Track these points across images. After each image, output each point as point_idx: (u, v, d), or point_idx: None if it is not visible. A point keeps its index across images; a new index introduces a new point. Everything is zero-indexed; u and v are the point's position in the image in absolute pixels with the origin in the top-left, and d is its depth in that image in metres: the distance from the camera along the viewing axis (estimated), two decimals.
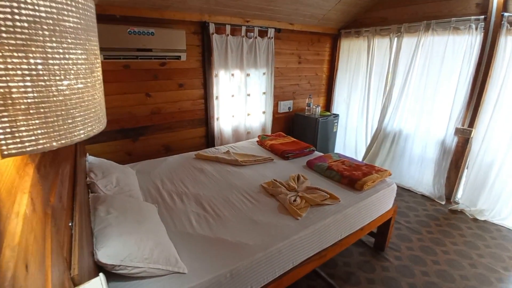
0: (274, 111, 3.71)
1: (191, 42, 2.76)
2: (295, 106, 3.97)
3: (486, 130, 2.79)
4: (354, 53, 3.87)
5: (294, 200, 1.78)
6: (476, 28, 2.73)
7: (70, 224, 0.82)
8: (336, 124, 3.93)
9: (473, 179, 2.93)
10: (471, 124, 2.93)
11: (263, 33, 3.24)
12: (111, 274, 1.09)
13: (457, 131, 3.02)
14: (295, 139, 2.96)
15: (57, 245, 0.60)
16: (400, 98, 3.39)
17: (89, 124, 0.43)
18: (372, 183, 2.04)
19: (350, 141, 4.10)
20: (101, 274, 0.72)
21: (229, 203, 1.77)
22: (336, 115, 3.94)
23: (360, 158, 3.93)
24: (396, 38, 3.38)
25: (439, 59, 3.02)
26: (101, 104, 0.47)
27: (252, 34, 3.15)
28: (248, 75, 3.25)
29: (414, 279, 2.05)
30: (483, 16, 2.68)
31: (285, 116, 3.92)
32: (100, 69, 0.47)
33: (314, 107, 3.76)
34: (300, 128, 3.84)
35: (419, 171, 3.36)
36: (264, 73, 3.39)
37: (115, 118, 2.51)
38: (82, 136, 0.42)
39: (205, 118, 3.09)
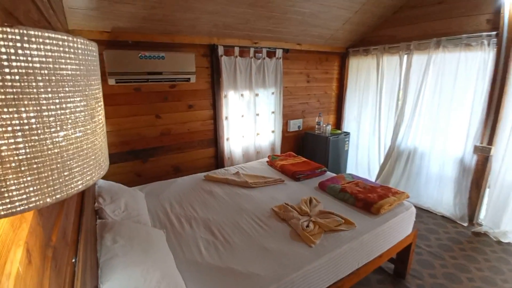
0: (284, 130, 3.68)
1: (200, 64, 2.80)
2: (305, 125, 3.94)
3: (506, 148, 2.66)
4: (363, 71, 3.85)
5: (307, 226, 1.70)
6: (489, 44, 2.67)
7: (73, 260, 0.79)
8: (347, 142, 3.86)
9: (495, 199, 2.76)
10: (490, 141, 2.80)
11: (271, 54, 3.27)
12: None
13: (476, 149, 2.89)
14: (306, 159, 2.90)
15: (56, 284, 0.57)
16: (413, 116, 3.30)
17: (88, 173, 0.40)
18: (389, 206, 1.94)
19: (363, 159, 4.00)
20: None
21: (239, 229, 1.70)
22: (347, 133, 3.87)
23: (373, 177, 3.80)
24: (406, 56, 3.35)
25: (452, 76, 2.95)
26: (102, 149, 0.44)
27: (260, 55, 3.19)
28: (257, 95, 3.26)
29: None
30: (495, 32, 2.62)
31: (295, 135, 3.87)
32: (102, 112, 0.44)
33: (324, 125, 3.71)
34: (311, 147, 3.78)
35: (438, 191, 3.21)
36: (272, 93, 3.40)
37: (126, 140, 2.53)
38: (80, 187, 0.39)
39: (215, 138, 3.08)
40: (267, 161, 2.97)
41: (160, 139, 2.72)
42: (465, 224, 2.95)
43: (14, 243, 0.39)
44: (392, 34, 3.49)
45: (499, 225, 2.73)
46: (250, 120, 3.26)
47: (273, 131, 3.51)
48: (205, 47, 2.81)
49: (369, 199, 1.98)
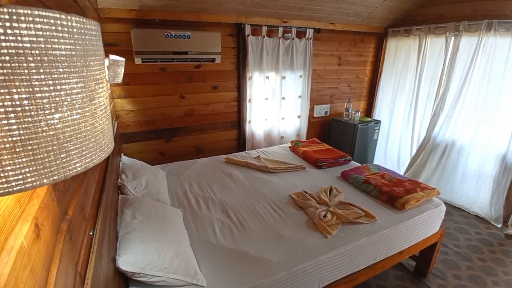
0: (310, 115, 3.57)
1: (226, 44, 2.75)
2: (332, 111, 3.78)
3: None
4: (402, 54, 3.55)
5: (325, 216, 1.66)
6: None
7: (91, 233, 0.83)
8: (377, 131, 3.66)
9: None
10: None
11: (301, 34, 3.12)
12: (131, 280, 1.10)
13: None
14: (330, 147, 2.81)
15: (68, 261, 0.60)
16: (455, 106, 3.02)
17: (87, 155, 0.40)
18: (416, 202, 1.84)
19: (393, 150, 3.79)
20: None
21: (255, 213, 1.71)
22: (378, 122, 3.66)
23: (403, 170, 3.61)
24: (453, 38, 3.02)
25: (502, 63, 2.63)
26: (104, 131, 0.44)
27: (289, 35, 3.05)
28: (283, 77, 3.17)
29: None
30: None
31: (321, 121, 3.75)
32: (104, 94, 0.43)
33: (353, 112, 3.54)
34: (337, 134, 3.65)
35: (474, 189, 2.97)
36: (300, 76, 3.27)
37: (151, 119, 2.60)
38: (79, 169, 0.39)
39: (238, 121, 3.07)
40: (289, 147, 2.93)
41: (183, 120, 2.77)
42: (499, 226, 2.73)
43: (21, 218, 0.41)
44: (440, 13, 3.14)
45: None
46: (275, 103, 3.19)
47: (299, 116, 3.42)
48: (231, 26, 2.74)
49: (394, 193, 1.88)
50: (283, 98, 3.23)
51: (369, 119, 3.64)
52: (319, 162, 2.45)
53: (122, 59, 2.04)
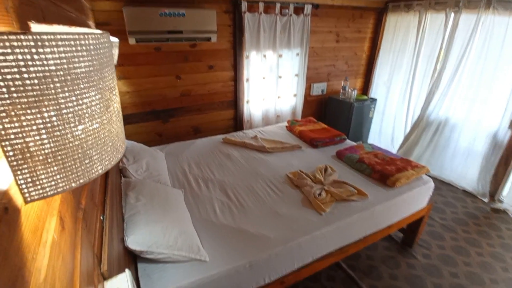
0: (306, 93, 3.57)
1: (222, 22, 2.68)
2: (329, 89, 3.78)
3: None
4: (401, 31, 3.50)
5: (319, 194, 1.75)
6: None
7: (101, 217, 0.89)
8: (373, 109, 3.70)
9: None
10: None
11: (298, 10, 3.03)
12: (140, 257, 1.19)
13: None
14: (326, 126, 2.86)
15: (87, 246, 0.66)
16: (450, 84, 3.05)
17: (107, 158, 0.44)
18: (407, 180, 1.93)
19: (387, 128, 3.85)
20: (127, 271, 0.78)
21: (253, 193, 1.79)
22: (374, 100, 3.69)
23: (396, 147, 3.70)
24: (452, 14, 2.97)
25: (499, 41, 2.64)
26: (118, 134, 0.48)
27: (286, 11, 2.96)
28: (280, 56, 3.12)
29: (441, 279, 1.97)
30: None
31: (318, 99, 3.76)
32: (117, 99, 0.47)
33: (349, 90, 3.54)
34: (333, 113, 3.68)
35: (464, 165, 3.09)
36: (297, 54, 3.23)
37: (147, 100, 2.60)
38: (100, 171, 0.43)
39: (235, 100, 3.07)
40: (286, 126, 2.97)
41: (180, 100, 2.77)
42: (486, 200, 2.89)
43: (49, 214, 0.46)
44: None
45: None
46: (272, 82, 3.18)
47: (295, 95, 3.42)
48: (227, 2, 2.65)
49: (386, 171, 1.97)
50: (280, 77, 3.21)
51: (366, 97, 3.66)
52: (315, 141, 2.51)
53: (116, 40, 2.00)
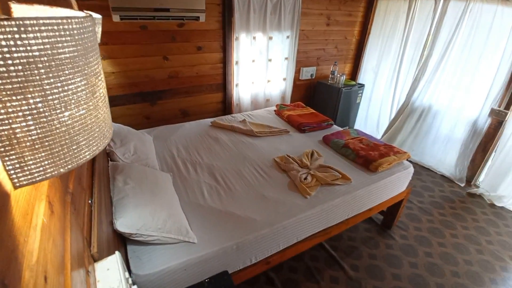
0: (296, 77, 3.56)
1: (211, 1, 2.59)
2: (318, 73, 3.78)
3: None
4: (391, 16, 3.49)
5: (305, 178, 1.80)
6: None
7: (90, 201, 0.90)
8: (360, 95, 3.74)
9: (498, 164, 2.79)
10: (508, 106, 2.69)
11: None
12: (130, 239, 1.21)
13: (492, 112, 2.80)
14: (314, 111, 2.88)
15: (76, 229, 0.67)
16: (435, 71, 3.11)
17: (94, 143, 0.44)
18: (388, 165, 2.00)
19: (373, 113, 3.93)
20: (117, 252, 0.80)
21: (241, 176, 1.82)
22: (362, 85, 3.73)
23: (381, 133, 3.80)
24: (442, 1, 2.98)
25: (486, 30, 2.69)
26: (105, 120, 0.48)
27: None
28: (270, 38, 3.07)
29: (417, 258, 2.11)
30: None
31: (307, 84, 3.76)
32: (103, 84, 0.46)
33: (338, 75, 3.56)
34: (321, 97, 3.70)
35: (443, 151, 3.23)
36: (288, 37, 3.18)
37: (134, 82, 2.53)
38: (88, 156, 0.44)
39: (223, 83, 3.03)
40: (274, 110, 2.98)
41: (168, 82, 2.71)
42: (462, 185, 3.05)
43: (37, 198, 0.46)
44: None
45: (496, 189, 2.82)
46: (262, 66, 3.14)
47: (284, 79, 3.41)
48: None
49: (370, 157, 2.04)
50: (270, 60, 3.18)
51: (354, 82, 3.69)
52: (302, 126, 2.54)
53: (99, 16, 1.89)
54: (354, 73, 4.13)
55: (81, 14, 0.45)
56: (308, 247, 1.72)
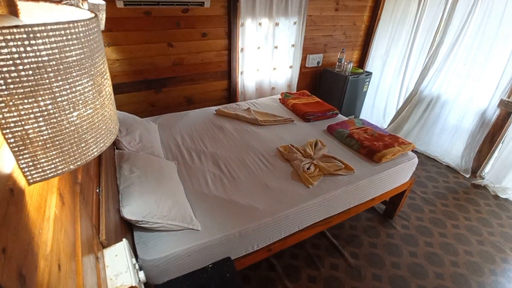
0: (302, 65, 3.51)
1: None
2: (325, 60, 3.71)
3: None
4: (402, 1, 3.37)
5: (308, 168, 1.82)
6: None
7: (97, 190, 0.93)
8: (367, 83, 3.68)
9: (505, 156, 2.76)
10: None
11: None
12: (136, 226, 1.26)
13: (501, 103, 2.74)
14: (319, 100, 2.86)
15: (86, 218, 0.71)
16: (446, 60, 3.03)
17: (101, 140, 0.46)
18: (392, 156, 2.00)
19: (380, 102, 3.88)
20: (124, 240, 0.84)
21: (245, 165, 1.85)
22: (369, 74, 3.66)
23: (387, 122, 3.76)
24: None
25: (498, 19, 2.60)
26: (112, 117, 0.49)
27: None
28: (277, 24, 3.01)
29: (417, 248, 2.15)
30: None
31: (313, 71, 3.70)
32: (108, 82, 0.47)
33: (345, 63, 3.49)
34: (327, 85, 3.66)
35: (450, 141, 3.20)
36: (295, 23, 3.11)
37: (139, 69, 2.53)
38: (96, 153, 0.46)
39: (228, 70, 3.01)
40: (279, 99, 2.96)
41: (172, 69, 2.70)
42: (467, 176, 3.03)
43: (49, 191, 0.49)
44: None
45: (501, 181, 2.80)
46: (267, 53, 3.10)
47: (291, 67, 3.36)
48: None
49: (374, 147, 2.04)
50: (276, 47, 3.13)
51: (361, 70, 3.62)
52: (307, 115, 2.53)
53: (103, 2, 1.89)
54: (362, 61, 4.04)
55: (86, 14, 0.46)
56: (310, 235, 1.76)
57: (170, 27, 2.52)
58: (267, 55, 3.11)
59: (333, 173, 1.81)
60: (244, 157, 1.94)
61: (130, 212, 1.16)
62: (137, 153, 1.58)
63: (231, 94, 3.14)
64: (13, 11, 0.50)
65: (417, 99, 3.38)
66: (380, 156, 1.96)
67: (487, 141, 2.94)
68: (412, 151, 2.16)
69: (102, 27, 1.98)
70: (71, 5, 1.46)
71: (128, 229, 1.29)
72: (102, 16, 1.98)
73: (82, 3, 1.99)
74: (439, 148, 3.29)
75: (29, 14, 0.51)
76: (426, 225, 2.36)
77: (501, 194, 2.77)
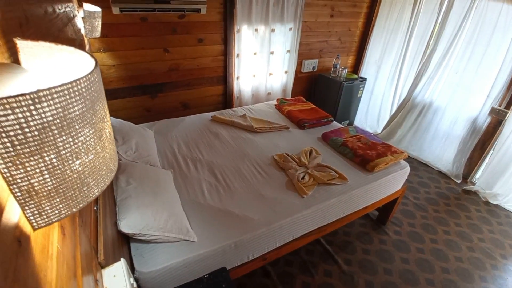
0: (297, 70, 3.54)
1: None
2: (320, 66, 3.74)
3: None
4: (396, 8, 3.42)
5: (303, 178, 1.85)
6: None
7: (95, 207, 0.95)
8: (362, 88, 3.73)
9: (496, 163, 2.83)
10: (508, 106, 2.70)
11: None
12: (132, 238, 1.27)
13: (492, 111, 2.81)
14: (314, 106, 2.89)
15: (85, 241, 0.72)
16: (438, 67, 3.09)
17: (102, 181, 0.48)
18: (385, 165, 2.04)
19: (374, 107, 3.93)
20: (122, 259, 0.86)
21: (240, 174, 1.87)
22: (363, 79, 3.70)
23: (381, 127, 3.81)
24: None
25: (491, 27, 2.65)
26: (111, 156, 0.51)
27: None
28: (273, 30, 3.03)
29: (408, 254, 2.19)
30: None
31: (308, 76, 3.73)
32: (108, 124, 0.49)
33: (340, 69, 3.53)
34: (322, 90, 3.69)
35: (441, 147, 3.26)
36: (290, 29, 3.14)
37: (135, 75, 2.53)
38: (97, 193, 0.47)
39: (224, 75, 3.02)
40: (275, 105, 2.98)
41: (169, 75, 2.70)
42: (458, 181, 3.10)
43: (51, 228, 0.50)
44: None
45: (492, 187, 2.86)
46: (263, 58, 3.12)
47: (286, 72, 3.39)
48: None
49: (367, 156, 2.07)
50: (272, 53, 3.15)
51: (356, 76, 3.66)
52: (302, 122, 2.56)
53: (98, 9, 1.89)
54: (356, 66, 4.08)
55: (85, 56, 0.48)
56: (304, 244, 1.79)
57: (166, 33, 2.52)
58: (263, 61, 3.13)
59: (327, 183, 1.84)
60: (240, 165, 1.96)
61: (127, 225, 1.17)
62: (134, 163, 1.60)
63: (227, 99, 3.15)
64: (12, 50, 0.51)
65: (410, 106, 3.43)
66: (373, 165, 2.00)
67: (478, 147, 3.01)
68: (406, 156, 2.19)
69: (98, 34, 1.99)
70: (68, 15, 1.44)
71: (125, 241, 1.30)
72: (98, 23, 1.98)
73: (78, 11, 1.98)
74: (431, 154, 3.35)
75: (29, 53, 0.53)
76: (418, 231, 2.42)
77: (491, 200, 2.84)
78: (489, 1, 2.59)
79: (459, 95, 3.03)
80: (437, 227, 2.47)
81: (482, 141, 2.97)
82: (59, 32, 1.09)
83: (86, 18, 1.88)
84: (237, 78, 3.06)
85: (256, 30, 2.91)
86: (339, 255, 2.12)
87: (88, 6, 1.86)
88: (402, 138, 3.53)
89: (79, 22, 1.90)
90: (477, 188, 2.96)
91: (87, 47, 2.06)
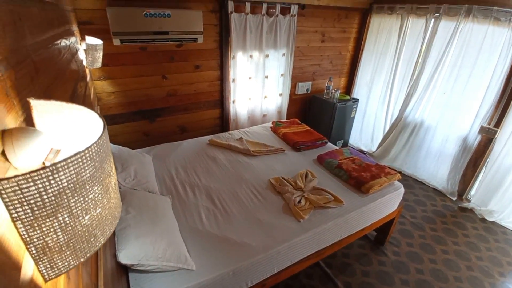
0: (292, 92, 3.65)
1: (208, 22, 2.67)
2: (314, 88, 3.87)
3: None
4: (384, 33, 3.59)
5: (299, 202, 1.88)
6: None
7: None
8: (355, 109, 3.83)
9: (489, 180, 2.88)
10: (498, 124, 2.79)
11: (285, 10, 3.05)
12: (131, 268, 1.28)
13: (482, 130, 2.89)
14: (309, 128, 2.97)
15: (87, 281, 0.74)
16: (426, 88, 3.21)
17: (107, 229, 0.52)
18: (379, 187, 2.08)
19: (368, 127, 4.02)
20: None
21: (237, 199, 1.90)
22: (356, 100, 3.81)
23: (376, 145, 3.89)
24: (433, 20, 3.08)
25: (476, 49, 2.78)
26: (116, 205, 0.55)
27: (273, 11, 2.97)
28: (267, 56, 3.16)
29: (408, 275, 2.19)
30: None
31: (302, 98, 3.84)
32: (113, 176, 0.53)
33: (333, 91, 3.64)
34: (317, 112, 3.79)
35: (435, 165, 3.32)
36: (283, 54, 3.27)
37: (133, 101, 2.60)
38: (102, 241, 0.51)
39: (221, 99, 3.11)
40: (270, 127, 3.05)
41: (166, 100, 2.78)
42: (454, 199, 3.13)
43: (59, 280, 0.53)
44: None
45: (487, 204, 2.90)
46: (258, 82, 3.22)
47: (280, 94, 3.49)
48: (213, 1, 2.63)
49: (361, 178, 2.12)
50: (266, 77, 3.26)
51: (348, 97, 3.77)
52: (298, 145, 2.62)
53: (100, 42, 1.98)
54: (349, 87, 4.22)
55: (93, 115, 0.53)
56: (302, 269, 1.80)
57: (165, 61, 2.62)
58: (258, 85, 3.23)
59: (323, 206, 1.87)
60: (237, 189, 1.99)
61: (126, 256, 1.19)
62: (132, 190, 1.62)
63: (223, 122, 3.22)
64: (26, 109, 0.56)
65: (402, 125, 3.53)
66: (368, 188, 2.04)
67: (471, 165, 3.07)
68: (400, 177, 2.23)
69: (99, 65, 2.07)
70: (71, 50, 1.52)
71: (123, 271, 1.31)
72: (99, 55, 2.07)
73: (80, 44, 2.07)
74: (426, 172, 3.40)
75: (41, 110, 0.58)
76: (416, 251, 2.42)
77: (487, 217, 2.87)
78: (474, 24, 2.73)
79: (448, 114, 3.13)
80: (435, 246, 2.48)
81: (474, 159, 3.03)
82: (65, 71, 1.15)
83: (88, 51, 1.97)
84: (233, 101, 3.15)
85: (250, 56, 3.04)
86: (338, 278, 2.12)
87: (90, 39, 1.95)
88: (396, 156, 3.60)
89: (82, 54, 1.99)
90: (472, 205, 3.00)
91: (88, 77, 2.14)
